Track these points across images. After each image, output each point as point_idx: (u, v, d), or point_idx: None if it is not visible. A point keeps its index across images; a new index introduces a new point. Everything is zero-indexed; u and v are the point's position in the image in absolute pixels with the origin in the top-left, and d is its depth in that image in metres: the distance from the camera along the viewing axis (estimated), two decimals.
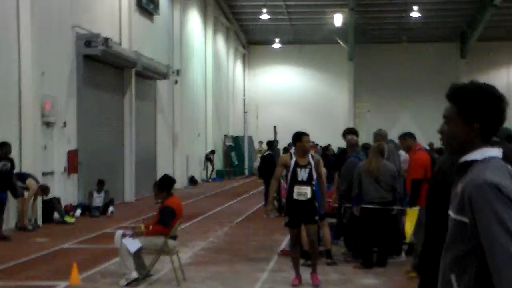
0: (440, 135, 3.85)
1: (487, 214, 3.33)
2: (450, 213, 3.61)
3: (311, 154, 12.15)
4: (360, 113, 54.57)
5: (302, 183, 11.71)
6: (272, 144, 26.95)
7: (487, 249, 3.32)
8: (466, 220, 3.45)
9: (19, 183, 18.76)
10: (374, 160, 13.50)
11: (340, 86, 55.75)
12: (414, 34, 51.95)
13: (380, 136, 14.36)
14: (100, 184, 23.69)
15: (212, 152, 43.97)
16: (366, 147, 15.57)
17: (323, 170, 12.60)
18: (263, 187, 25.30)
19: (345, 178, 13.91)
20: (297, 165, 11.79)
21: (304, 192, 11.65)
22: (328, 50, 54.28)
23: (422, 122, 47.05)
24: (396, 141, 14.95)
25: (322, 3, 45.94)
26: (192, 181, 39.47)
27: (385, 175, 13.34)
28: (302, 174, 11.73)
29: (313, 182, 11.83)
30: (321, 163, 12.30)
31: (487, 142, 3.63)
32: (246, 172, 48.92)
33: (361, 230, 13.56)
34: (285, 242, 16.31)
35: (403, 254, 14.35)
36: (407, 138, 13.39)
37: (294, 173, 11.81)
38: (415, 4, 44.88)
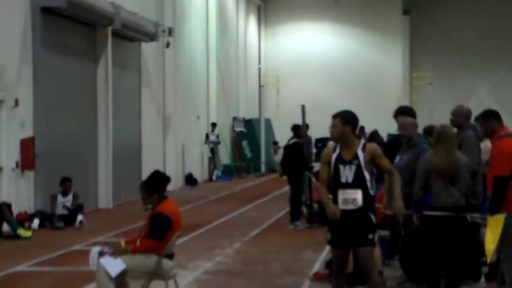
0: None
1: None
2: None
3: (363, 144, 11.44)
4: (418, 86, 54.47)
5: (347, 185, 11.17)
6: (299, 130, 26.63)
7: None
8: None
9: None
10: (447, 152, 13.34)
11: (392, 50, 55.90)
12: None
13: (462, 116, 14.10)
14: (65, 184, 23.73)
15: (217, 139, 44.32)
16: (428, 131, 15.48)
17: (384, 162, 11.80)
18: (287, 187, 25.31)
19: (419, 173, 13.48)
20: (339, 160, 11.28)
21: (351, 198, 11.09)
22: (375, 4, 54.23)
23: (506, 98, 46.99)
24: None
25: None
26: (190, 180, 39.72)
27: (461, 173, 13.23)
28: (347, 174, 11.20)
29: (367, 184, 11.25)
30: (378, 153, 11.51)
31: None
32: (263, 168, 49.08)
33: (425, 246, 13.38)
34: (319, 262, 16.38)
35: (482, 279, 14.22)
36: (490, 120, 13.20)
37: (336, 172, 11.28)
38: None
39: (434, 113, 42.80)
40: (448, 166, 12.98)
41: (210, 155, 43.99)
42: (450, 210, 13.09)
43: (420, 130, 14.93)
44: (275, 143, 48.72)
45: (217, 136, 44.41)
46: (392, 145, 16.04)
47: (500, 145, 12.27)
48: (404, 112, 14.55)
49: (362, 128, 32.57)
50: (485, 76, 51.72)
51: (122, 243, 12.35)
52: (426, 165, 13.08)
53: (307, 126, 30.43)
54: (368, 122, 35.91)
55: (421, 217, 13.15)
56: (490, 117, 12.96)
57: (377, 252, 14.19)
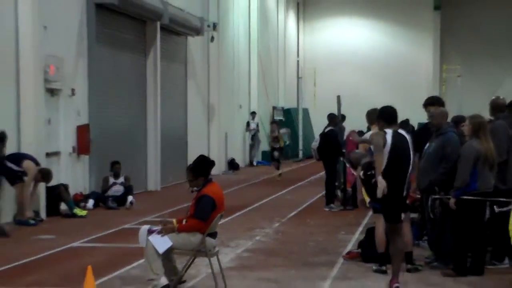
0: None
1: None
2: None
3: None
4: (448, 78, 54.15)
5: None
6: (334, 119, 26.70)
7: None
8: None
9: (13, 166, 19.12)
10: (488, 140, 13.34)
11: (423, 44, 55.50)
12: None
13: (498, 106, 14.04)
14: (115, 167, 23.91)
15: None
16: (457, 121, 15.45)
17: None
18: (323, 172, 25.35)
19: (444, 161, 13.55)
20: None
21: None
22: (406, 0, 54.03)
23: None
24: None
25: None
26: (233, 165, 39.84)
27: (497, 160, 13.33)
28: None
29: None
30: None
31: None
32: (301, 154, 49.03)
33: (459, 228, 13.40)
34: (352, 242, 16.41)
35: (506, 260, 14.20)
36: None
37: None
38: None
39: (463, 104, 42.56)
40: (492, 153, 13.04)
41: (251, 142, 44.02)
42: (491, 195, 13.18)
43: (449, 120, 14.92)
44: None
45: (257, 125, 44.42)
46: (422, 133, 16.13)
47: None
48: (433, 103, 14.56)
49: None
50: None
51: (175, 222, 12.44)
52: (475, 153, 13.03)
53: (343, 116, 30.47)
54: (399, 112, 35.85)
55: (460, 201, 13.08)
56: None
57: (408, 233, 14.22)
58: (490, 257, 14.18)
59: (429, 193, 13.82)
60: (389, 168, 11.55)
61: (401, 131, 11.88)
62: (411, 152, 11.76)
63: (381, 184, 11.41)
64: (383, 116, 12.04)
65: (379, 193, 11.36)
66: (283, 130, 40.45)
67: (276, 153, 35.08)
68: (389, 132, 11.68)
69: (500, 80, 50.64)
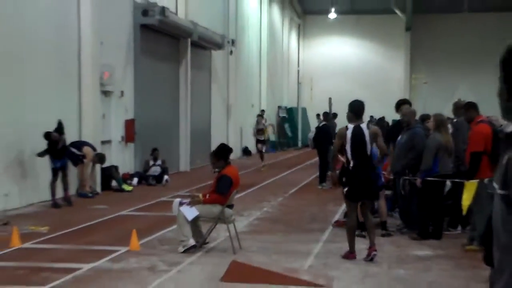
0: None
1: None
2: (495, 186, 3.41)
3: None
4: (416, 85, 54.04)
5: None
6: (327, 116, 26.88)
7: None
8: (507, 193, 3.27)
9: (75, 151, 19.18)
10: (447, 133, 13.50)
11: (396, 58, 55.27)
12: (475, 3, 50.97)
13: (459, 107, 13.90)
14: (154, 152, 23.98)
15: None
16: (423, 118, 15.50)
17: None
18: (317, 158, 25.34)
19: (412, 150, 13.62)
20: None
21: None
22: (385, 20, 53.79)
23: (482, 95, 46.43)
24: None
25: None
26: (246, 152, 39.78)
27: (453, 149, 13.43)
28: None
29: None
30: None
31: None
32: (300, 143, 49.03)
33: (422, 202, 13.44)
34: (339, 213, 16.43)
35: (459, 227, 14.30)
36: (470, 109, 13.19)
37: None
38: None
39: (427, 105, 42.37)
40: (451, 144, 13.16)
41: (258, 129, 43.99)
42: (450, 176, 13.25)
43: (416, 117, 14.97)
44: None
45: (266, 120, 44.33)
46: (395, 128, 16.25)
47: (476, 128, 12.51)
48: (404, 103, 14.64)
49: (372, 116, 32.54)
50: (467, 77, 51.08)
51: (201, 196, 12.55)
52: (437, 143, 13.19)
53: (335, 114, 30.48)
54: (377, 111, 35.88)
55: (425, 181, 13.19)
56: (470, 108, 13.07)
57: (383, 206, 14.29)
58: (447, 225, 14.27)
59: (401, 175, 13.95)
60: (351, 153, 11.50)
61: (361, 125, 11.55)
62: (367, 142, 11.40)
63: (332, 177, 11.66)
64: (352, 109, 11.70)
65: (331, 184, 11.53)
66: (268, 123, 34.58)
67: (259, 146, 31.48)
68: (350, 127, 11.50)
69: (456, 86, 50.45)
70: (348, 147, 11.50)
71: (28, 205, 17.79)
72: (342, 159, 12.44)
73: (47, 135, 17.49)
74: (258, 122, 32.14)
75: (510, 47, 3.45)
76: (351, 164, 11.53)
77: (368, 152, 11.52)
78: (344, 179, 11.83)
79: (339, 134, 11.85)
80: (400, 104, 14.55)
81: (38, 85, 18.46)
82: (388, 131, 17.75)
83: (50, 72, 19.20)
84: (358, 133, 11.42)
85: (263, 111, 43.61)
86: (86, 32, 20.50)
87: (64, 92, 19.93)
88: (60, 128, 17.86)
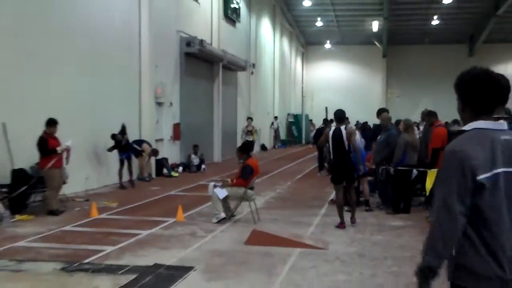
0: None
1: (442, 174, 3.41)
2: None
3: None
4: (390, 97, 53.92)
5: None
6: (326, 121, 26.99)
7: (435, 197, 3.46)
8: None
9: (137, 147, 19.26)
10: (413, 134, 13.53)
11: (376, 78, 55.13)
12: (433, 37, 50.85)
13: (432, 115, 13.66)
14: (195, 147, 24.02)
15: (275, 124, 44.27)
16: (397, 122, 15.52)
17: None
18: (316, 152, 25.27)
19: (388, 146, 13.58)
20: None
21: None
22: (367, 49, 53.57)
23: (439, 105, 46.13)
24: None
25: (363, 13, 45.43)
26: (263, 147, 39.72)
27: (418, 146, 13.48)
28: None
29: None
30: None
31: (483, 117, 3.43)
32: (303, 141, 48.98)
33: (395, 185, 13.45)
34: (333, 194, 16.43)
35: (423, 204, 14.18)
36: (431, 116, 13.25)
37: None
38: (435, 14, 44.38)
39: (399, 113, 42.21)
40: (416, 142, 13.22)
41: (274, 134, 44.01)
42: (415, 166, 13.26)
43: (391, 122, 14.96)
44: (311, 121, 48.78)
45: (278, 124, 44.44)
46: (376, 130, 16.33)
47: (436, 130, 12.71)
48: (383, 111, 14.64)
49: (358, 121, 32.34)
50: (428, 93, 50.55)
51: (229, 181, 12.59)
52: (405, 141, 13.19)
53: (331, 120, 30.41)
54: (362, 117, 35.77)
55: (397, 169, 13.23)
56: (431, 115, 13.13)
57: (366, 188, 14.32)
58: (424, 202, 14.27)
59: (379, 165, 13.98)
60: (333, 151, 11.80)
61: (341, 127, 11.74)
62: (344, 140, 11.63)
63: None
64: (335, 116, 12.11)
65: (326, 172, 11.92)
66: (256, 127, 30.35)
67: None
68: (332, 128, 11.98)
69: (420, 99, 49.92)
70: (330, 143, 11.85)
71: (103, 186, 17.97)
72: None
73: (113, 136, 17.66)
74: (247, 125, 29.93)
75: (460, 75, 3.52)
76: (331, 156, 11.94)
77: (346, 148, 11.71)
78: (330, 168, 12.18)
79: (324, 134, 12.42)
80: (381, 112, 14.55)
81: (110, 98, 18.62)
82: (371, 132, 17.84)
83: (119, 87, 19.37)
84: (337, 134, 11.72)
85: (276, 117, 43.86)
86: (145, 58, 20.66)
87: (129, 103, 20.06)
88: (123, 130, 17.98)
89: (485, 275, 3.32)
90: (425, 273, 3.37)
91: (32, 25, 14.77)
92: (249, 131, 28.84)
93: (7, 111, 13.65)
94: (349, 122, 13.70)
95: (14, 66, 14.11)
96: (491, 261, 3.32)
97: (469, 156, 3.28)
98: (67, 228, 11.63)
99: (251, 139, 27.48)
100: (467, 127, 3.46)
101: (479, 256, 3.33)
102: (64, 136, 13.71)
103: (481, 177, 3.28)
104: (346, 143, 11.66)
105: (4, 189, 12.92)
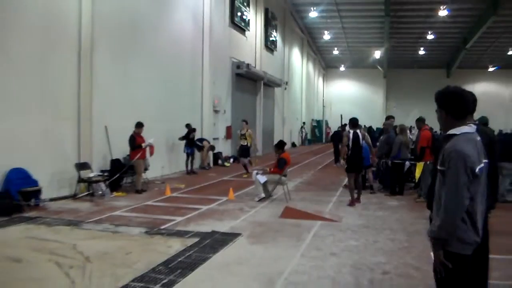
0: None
1: (451, 169, 3.35)
2: (438, 165, 3.57)
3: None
4: (389, 108, 53.04)
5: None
6: (342, 125, 26.86)
7: (446, 186, 3.39)
8: (444, 169, 3.45)
9: (199, 143, 19.37)
10: (406, 135, 13.38)
11: (378, 92, 54.33)
12: (421, 63, 50.13)
13: (420, 121, 13.20)
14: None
15: (303, 127, 44.06)
16: (394, 127, 15.33)
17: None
18: (332, 149, 25.01)
19: (387, 144, 13.43)
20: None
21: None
22: (372, 72, 52.72)
23: (424, 113, 45.28)
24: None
25: (369, 44, 44.73)
26: (293, 145, 39.50)
27: (409, 144, 13.34)
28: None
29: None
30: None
31: (460, 122, 3.49)
32: (323, 140, 48.65)
33: (392, 174, 13.29)
34: (345, 180, 16.31)
35: (412, 189, 14.02)
36: (420, 121, 13.07)
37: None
38: (421, 46, 44.05)
39: (396, 119, 41.86)
40: (408, 142, 13.07)
41: (301, 134, 43.84)
42: (408, 160, 13.07)
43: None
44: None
45: (305, 129, 44.20)
46: (380, 132, 16.11)
47: (423, 133, 12.54)
48: (390, 118, 14.50)
49: (365, 125, 32.00)
50: (418, 104, 49.16)
51: (268, 169, 12.57)
52: (400, 141, 13.01)
53: (345, 124, 30.04)
54: (367, 122, 35.43)
55: (393, 162, 13.06)
56: (420, 121, 12.97)
57: (371, 176, 14.13)
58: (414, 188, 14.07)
59: (381, 158, 13.78)
60: (352, 148, 11.76)
61: (357, 130, 11.86)
62: (360, 140, 11.76)
63: (342, 164, 12.04)
64: (350, 122, 12.03)
65: (343, 166, 11.91)
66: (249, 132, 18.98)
67: (242, 159, 18.40)
68: (351, 131, 11.83)
69: (411, 109, 49.03)
70: (350, 143, 11.77)
71: (174, 172, 18.11)
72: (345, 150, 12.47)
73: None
74: (242, 128, 18.90)
75: (442, 92, 3.61)
76: (350, 152, 11.79)
77: (361, 145, 11.82)
78: (345, 161, 12.04)
79: (345, 135, 12.20)
80: (388, 118, 14.53)
81: (180, 106, 18.76)
82: (379, 134, 17.71)
83: (187, 98, 19.51)
84: (355, 135, 11.79)
85: (304, 123, 43.63)
86: (206, 77, 20.73)
87: (193, 110, 20.13)
88: (194, 129, 18.21)
89: (469, 242, 3.43)
90: (439, 242, 3.44)
91: (129, 50, 15.01)
92: (243, 135, 18.56)
93: (108, 117, 13.94)
94: (361, 127, 13.61)
95: (113, 83, 14.36)
96: (473, 231, 3.43)
97: (469, 155, 3.34)
98: (149, 203, 11.78)
99: (245, 144, 18.33)
100: (456, 131, 3.50)
101: (466, 228, 3.42)
102: (148, 135, 13.93)
103: (477, 169, 3.38)
104: (361, 142, 11.79)
105: (106, 174, 13.18)
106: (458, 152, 3.36)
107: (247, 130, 18.18)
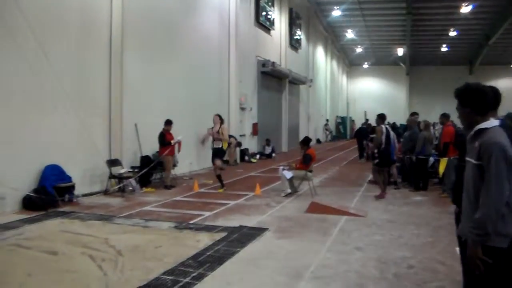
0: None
1: (493, 161, 3.26)
2: (471, 160, 3.43)
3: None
4: (412, 104, 52.39)
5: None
6: (366, 122, 26.63)
7: (488, 179, 3.27)
8: (481, 163, 3.33)
9: None
10: (429, 131, 13.15)
11: (401, 89, 53.78)
12: (443, 60, 49.26)
13: (445, 117, 13.05)
14: (268, 141, 24.00)
15: (327, 124, 43.78)
16: (418, 122, 15.08)
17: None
18: (356, 145, 24.82)
19: (411, 141, 13.18)
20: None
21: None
22: (395, 69, 52.16)
23: (446, 110, 44.42)
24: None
25: (391, 42, 44.18)
26: (318, 141, 39.27)
27: (433, 140, 13.13)
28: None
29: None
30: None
31: (483, 118, 3.41)
32: (348, 137, 48.31)
33: (416, 170, 13.05)
34: (370, 176, 16.11)
35: (436, 184, 13.74)
36: (444, 117, 12.84)
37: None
38: (444, 43, 43.18)
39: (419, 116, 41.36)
40: (431, 138, 12.87)
41: (326, 131, 43.57)
42: (430, 156, 12.89)
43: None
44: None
45: (329, 126, 43.96)
46: (404, 128, 15.92)
47: (446, 128, 12.43)
48: (414, 114, 14.29)
49: (388, 122, 31.66)
50: (440, 101, 48.25)
51: (294, 165, 12.50)
52: (424, 137, 12.77)
53: (367, 120, 29.82)
54: (391, 119, 34.88)
55: (417, 158, 12.81)
56: (444, 117, 12.74)
57: (395, 172, 13.91)
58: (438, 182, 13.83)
59: (405, 154, 13.56)
60: (385, 141, 11.70)
61: (387, 126, 11.97)
62: (391, 135, 11.84)
63: (372, 149, 12.08)
64: (380, 117, 12.00)
65: (365, 160, 12.02)
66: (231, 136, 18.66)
67: (217, 161, 12.96)
68: (383, 127, 11.78)
69: (433, 105, 48.18)
70: (383, 137, 11.75)
71: (202, 169, 18.14)
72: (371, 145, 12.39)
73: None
74: (214, 123, 12.95)
75: (457, 89, 3.54)
76: (383, 146, 11.69)
77: (392, 140, 11.95)
78: (376, 156, 12.01)
79: (379, 131, 11.98)
80: (413, 114, 14.32)
81: (208, 104, 18.77)
82: (403, 130, 17.51)
83: (214, 96, 19.53)
84: (387, 130, 11.95)
85: (327, 120, 43.35)
86: (232, 75, 20.73)
87: (221, 108, 20.00)
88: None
89: (506, 234, 3.33)
90: (480, 238, 3.32)
91: (158, 49, 15.09)
92: (217, 138, 12.91)
93: (138, 115, 14.04)
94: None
95: (143, 81, 14.46)
96: (510, 223, 3.34)
97: (506, 146, 3.29)
98: (178, 198, 11.83)
99: (219, 146, 12.82)
100: (486, 125, 3.41)
101: (505, 220, 3.32)
102: (176, 132, 13.97)
103: None
104: (392, 137, 11.87)
105: (136, 170, 13.28)
106: (498, 144, 3.27)
107: (222, 128, 12.70)
